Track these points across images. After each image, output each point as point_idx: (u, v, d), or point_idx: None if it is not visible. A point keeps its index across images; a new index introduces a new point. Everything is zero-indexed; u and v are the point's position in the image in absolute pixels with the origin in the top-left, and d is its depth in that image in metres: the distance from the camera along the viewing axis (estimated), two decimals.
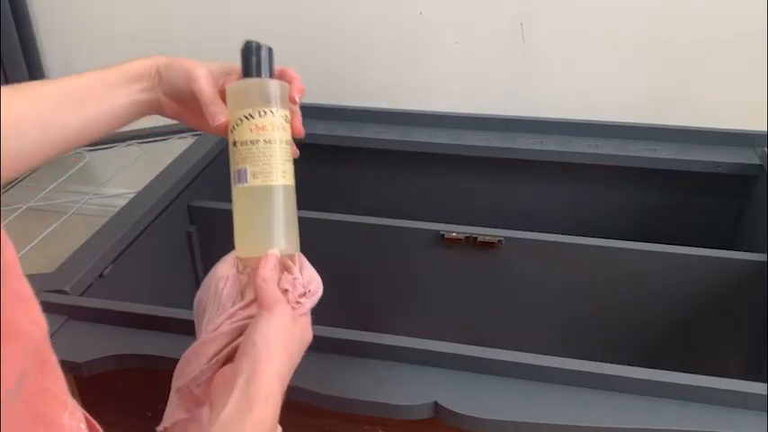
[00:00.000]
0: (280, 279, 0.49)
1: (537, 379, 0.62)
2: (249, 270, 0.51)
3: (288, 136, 0.52)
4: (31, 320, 0.28)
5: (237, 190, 0.51)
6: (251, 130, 0.50)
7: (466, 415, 0.59)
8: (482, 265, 0.91)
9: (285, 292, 0.48)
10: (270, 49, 0.53)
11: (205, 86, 0.54)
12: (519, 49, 1.20)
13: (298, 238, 0.52)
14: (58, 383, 0.30)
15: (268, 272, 0.47)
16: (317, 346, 0.66)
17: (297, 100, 0.53)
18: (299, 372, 0.62)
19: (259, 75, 0.52)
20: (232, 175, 0.51)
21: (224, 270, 0.53)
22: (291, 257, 0.51)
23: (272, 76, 0.53)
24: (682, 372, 0.61)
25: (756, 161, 0.99)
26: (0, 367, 0.23)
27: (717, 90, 1.16)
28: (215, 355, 0.48)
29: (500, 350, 0.64)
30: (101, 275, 0.79)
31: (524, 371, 0.62)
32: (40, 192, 1.17)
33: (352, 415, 0.63)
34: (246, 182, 0.50)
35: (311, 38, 1.29)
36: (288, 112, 0.52)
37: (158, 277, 0.92)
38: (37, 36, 1.41)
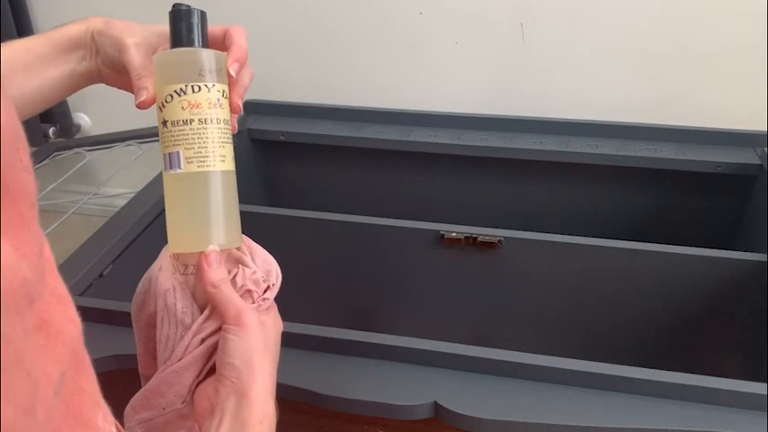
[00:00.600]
0: (235, 275, 0.45)
1: (537, 379, 0.62)
2: (192, 269, 0.46)
3: (226, 114, 0.46)
4: (68, 319, 0.27)
5: (169, 177, 0.46)
6: (183, 107, 0.45)
7: (466, 415, 0.59)
8: (482, 265, 0.91)
9: (248, 292, 0.44)
10: (202, 14, 0.47)
11: (134, 58, 0.48)
12: (519, 49, 1.20)
13: (240, 231, 0.47)
14: (92, 384, 0.30)
15: (214, 274, 0.43)
16: (318, 346, 0.66)
17: (232, 72, 0.46)
18: (300, 372, 0.62)
19: (191, 44, 0.46)
20: (163, 159, 0.46)
21: (167, 280, 0.46)
22: (239, 250, 0.47)
23: (205, 44, 0.47)
24: (682, 372, 0.61)
25: (756, 161, 0.99)
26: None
27: (717, 90, 1.16)
28: (195, 381, 0.44)
29: (500, 350, 0.64)
30: (101, 275, 0.79)
31: (524, 371, 0.62)
32: (40, 192, 1.17)
33: (352, 415, 0.63)
34: (179, 167, 0.45)
35: (311, 37, 1.29)
36: (226, 87, 0.47)
37: None
38: (36, 31, 1.42)
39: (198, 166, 0.45)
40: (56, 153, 1.24)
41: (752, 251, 0.87)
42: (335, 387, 0.61)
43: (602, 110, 1.20)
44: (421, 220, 0.92)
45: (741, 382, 0.60)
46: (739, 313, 0.88)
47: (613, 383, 0.61)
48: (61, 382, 0.26)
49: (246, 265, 0.46)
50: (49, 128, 1.47)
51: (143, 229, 0.87)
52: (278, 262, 0.49)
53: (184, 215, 0.46)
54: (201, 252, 0.44)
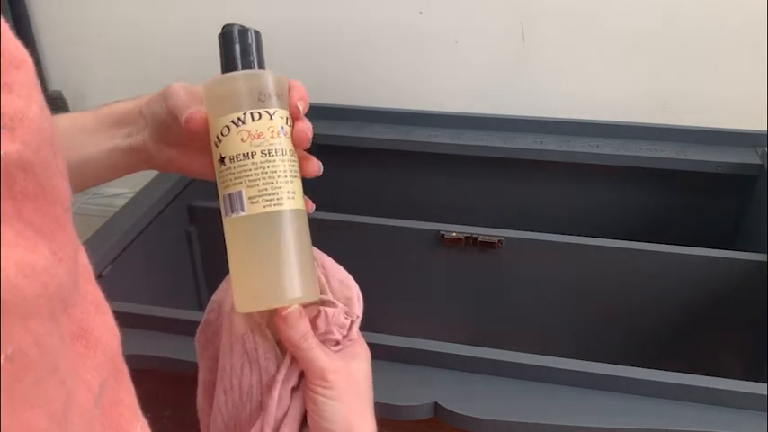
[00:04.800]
0: (316, 317, 0.41)
1: (537, 379, 0.62)
2: (267, 319, 0.41)
3: (291, 144, 0.41)
4: (107, 328, 0.27)
5: (231, 222, 0.39)
6: (242, 139, 0.39)
7: (466, 415, 0.59)
8: (482, 265, 0.91)
9: (332, 341, 0.41)
10: (257, 33, 0.42)
11: (182, 96, 0.44)
12: (519, 48, 1.20)
13: (316, 278, 0.42)
14: (131, 395, 0.29)
15: (294, 332, 0.39)
16: None
17: (300, 107, 0.41)
18: None
19: (247, 66, 0.41)
20: (222, 202, 0.40)
21: (243, 323, 0.41)
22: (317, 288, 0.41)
23: (261, 66, 0.42)
24: (682, 372, 0.61)
25: (757, 161, 0.99)
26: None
27: (717, 90, 1.16)
28: None
29: (500, 350, 0.64)
30: (100, 276, 0.79)
31: (524, 371, 0.62)
32: None
33: None
34: (242, 210, 0.38)
35: (310, 37, 1.29)
36: (288, 114, 0.41)
37: (158, 277, 0.92)
38: (35, 32, 1.41)
39: (264, 206, 0.38)
40: None
41: (752, 251, 0.87)
42: None
43: (603, 109, 1.20)
44: (421, 220, 0.92)
45: (741, 382, 0.60)
46: (739, 313, 0.88)
47: (613, 383, 0.61)
48: (101, 393, 0.25)
49: (327, 302, 0.42)
50: None
51: (142, 229, 0.87)
52: None
53: (251, 267, 0.39)
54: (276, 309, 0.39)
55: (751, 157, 1.00)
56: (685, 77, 1.17)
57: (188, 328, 0.69)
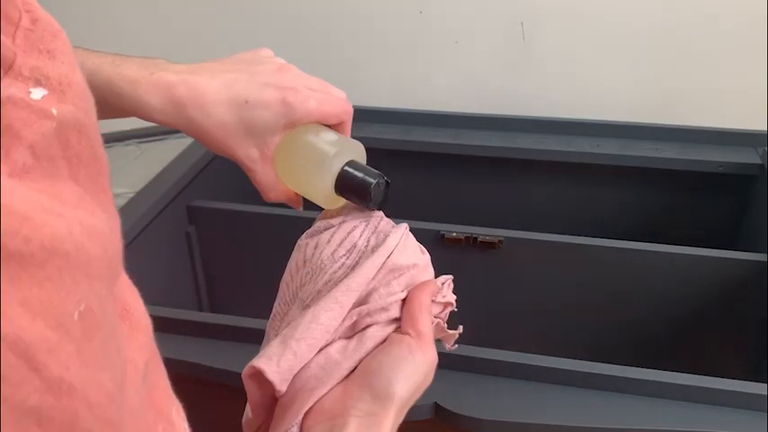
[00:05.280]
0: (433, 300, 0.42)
1: (537, 379, 0.62)
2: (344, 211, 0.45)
3: None
4: (143, 312, 0.28)
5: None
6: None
7: (466, 415, 0.59)
8: (482, 265, 0.91)
9: (436, 325, 0.42)
10: (387, 183, 0.47)
11: (262, 177, 0.47)
12: (520, 48, 1.20)
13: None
14: (165, 379, 0.30)
15: (427, 299, 0.40)
16: None
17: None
18: None
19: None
20: None
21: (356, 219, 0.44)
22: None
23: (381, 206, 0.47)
24: (682, 372, 0.61)
25: (757, 161, 0.99)
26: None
27: (718, 89, 1.16)
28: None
29: (500, 350, 0.64)
30: None
31: (524, 371, 0.62)
32: None
33: None
34: None
35: (310, 37, 1.28)
36: None
37: (157, 277, 0.92)
38: None
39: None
40: None
41: (752, 251, 0.87)
42: None
43: (603, 109, 1.20)
44: (421, 220, 0.92)
45: (741, 382, 0.60)
46: (739, 313, 0.87)
47: (613, 383, 0.61)
48: (146, 372, 0.26)
49: (442, 294, 0.43)
50: None
51: (142, 229, 0.87)
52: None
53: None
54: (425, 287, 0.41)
55: (751, 157, 1.00)
56: (686, 77, 1.17)
57: (187, 328, 0.69)
